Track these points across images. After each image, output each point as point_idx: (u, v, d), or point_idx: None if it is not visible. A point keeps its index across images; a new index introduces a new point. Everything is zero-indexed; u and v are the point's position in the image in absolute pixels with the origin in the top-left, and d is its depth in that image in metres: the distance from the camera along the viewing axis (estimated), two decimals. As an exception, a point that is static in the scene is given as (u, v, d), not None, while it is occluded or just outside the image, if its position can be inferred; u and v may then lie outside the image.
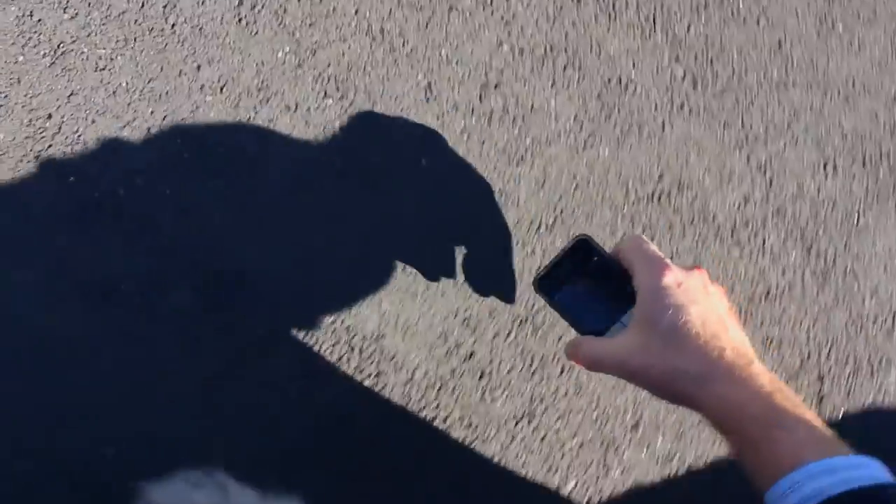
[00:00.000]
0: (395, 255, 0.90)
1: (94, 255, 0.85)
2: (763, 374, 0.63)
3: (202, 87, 0.91)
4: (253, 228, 0.88)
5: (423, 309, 0.90)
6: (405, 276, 0.91)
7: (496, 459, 0.88)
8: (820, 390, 0.96)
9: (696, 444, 0.92)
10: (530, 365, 0.91)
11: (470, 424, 0.88)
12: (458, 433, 0.88)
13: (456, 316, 0.91)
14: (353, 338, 0.88)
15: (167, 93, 0.90)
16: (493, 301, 0.91)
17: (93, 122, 0.89)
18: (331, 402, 0.86)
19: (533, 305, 0.92)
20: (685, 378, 0.62)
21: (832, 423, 0.93)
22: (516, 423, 0.90)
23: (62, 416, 0.81)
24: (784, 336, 0.98)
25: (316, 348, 0.87)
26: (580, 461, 0.90)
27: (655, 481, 0.91)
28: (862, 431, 0.95)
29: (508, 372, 0.91)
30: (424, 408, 0.88)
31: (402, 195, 0.91)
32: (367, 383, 0.87)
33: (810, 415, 0.60)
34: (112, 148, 0.88)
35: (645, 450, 0.91)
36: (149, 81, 0.91)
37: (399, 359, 0.89)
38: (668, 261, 0.67)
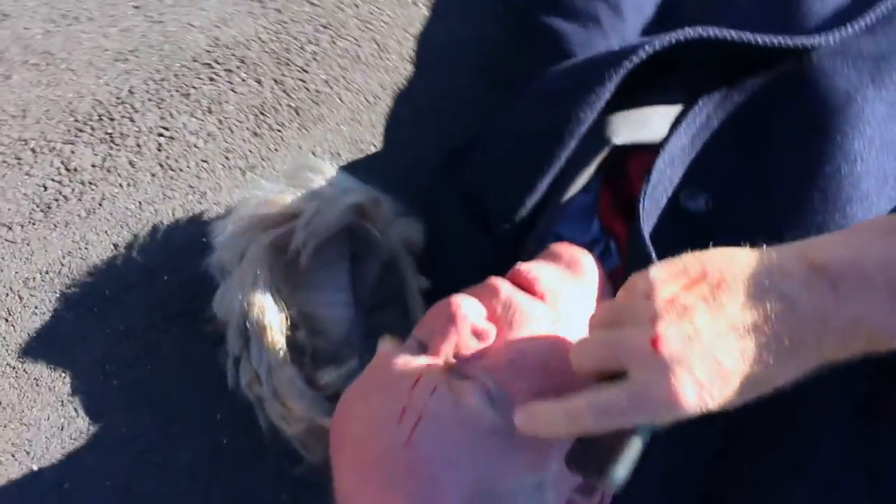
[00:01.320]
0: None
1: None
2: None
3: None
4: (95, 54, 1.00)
5: (232, 8, 1.03)
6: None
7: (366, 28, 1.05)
8: None
9: None
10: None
11: (327, 25, 1.04)
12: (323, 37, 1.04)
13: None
14: (203, 60, 1.02)
15: None
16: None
17: None
18: (239, 102, 1.01)
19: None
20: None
21: None
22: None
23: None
24: None
25: (195, 88, 1.01)
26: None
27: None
28: None
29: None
30: (292, 45, 1.04)
31: None
32: (243, 73, 1.02)
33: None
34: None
35: None
36: None
37: (243, 41, 1.03)
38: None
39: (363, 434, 0.66)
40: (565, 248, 0.76)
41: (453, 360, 0.67)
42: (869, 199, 0.71)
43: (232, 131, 1.00)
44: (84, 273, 0.96)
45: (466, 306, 0.67)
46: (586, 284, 0.73)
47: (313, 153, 0.98)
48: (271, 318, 0.84)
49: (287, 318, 0.87)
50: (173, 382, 0.97)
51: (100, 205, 0.97)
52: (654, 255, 0.70)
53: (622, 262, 0.80)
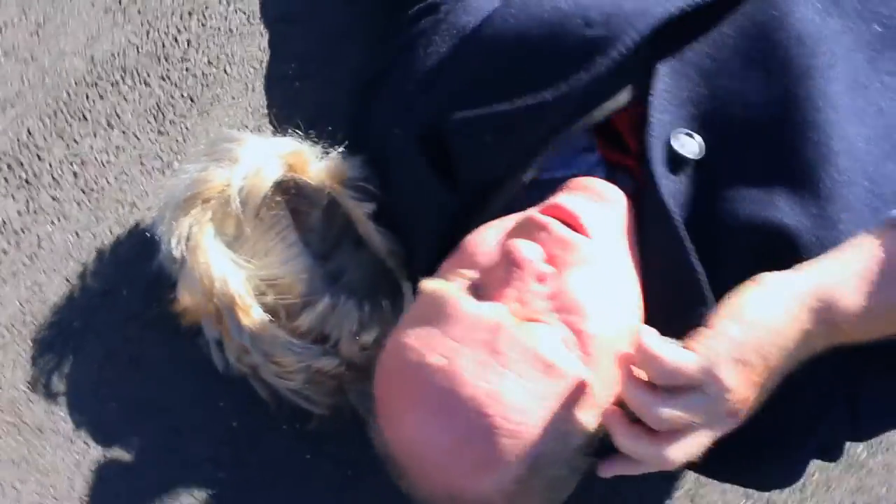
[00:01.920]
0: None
1: None
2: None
3: None
4: None
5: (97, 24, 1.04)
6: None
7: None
8: None
9: None
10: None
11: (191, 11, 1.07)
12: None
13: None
14: (88, 82, 1.04)
15: None
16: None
17: None
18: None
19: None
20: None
21: None
22: None
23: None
24: None
25: (89, 110, 1.03)
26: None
27: None
28: None
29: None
30: (165, 40, 1.06)
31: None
32: (129, 80, 1.04)
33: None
34: None
35: None
36: None
37: (118, 51, 1.05)
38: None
39: (446, 388, 0.67)
40: (590, 182, 0.77)
41: (518, 305, 0.68)
42: (853, 147, 0.76)
43: (138, 138, 1.03)
44: (48, 314, 0.99)
45: (529, 251, 0.68)
46: (619, 215, 0.76)
47: (220, 133, 1.01)
48: (236, 285, 0.87)
49: (250, 287, 0.90)
50: (167, 386, 1.01)
51: (39, 247, 0.99)
52: (678, 221, 0.74)
53: (638, 185, 0.81)
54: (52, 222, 0.99)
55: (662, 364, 0.62)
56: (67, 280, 0.99)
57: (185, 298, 0.91)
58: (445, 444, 0.68)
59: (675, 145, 0.76)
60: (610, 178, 0.81)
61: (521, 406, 0.66)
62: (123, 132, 1.02)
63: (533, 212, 0.73)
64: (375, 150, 0.95)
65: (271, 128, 1.02)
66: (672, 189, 0.75)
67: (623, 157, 0.84)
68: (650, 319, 0.73)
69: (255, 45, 1.07)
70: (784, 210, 0.73)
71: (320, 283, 0.92)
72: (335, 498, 0.98)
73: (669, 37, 0.78)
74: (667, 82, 0.77)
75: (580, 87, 0.76)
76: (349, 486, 0.99)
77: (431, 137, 0.85)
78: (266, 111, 1.05)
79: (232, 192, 0.87)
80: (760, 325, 0.63)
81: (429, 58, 0.91)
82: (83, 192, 1.01)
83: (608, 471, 0.69)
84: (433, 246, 0.84)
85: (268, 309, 0.90)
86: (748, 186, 0.75)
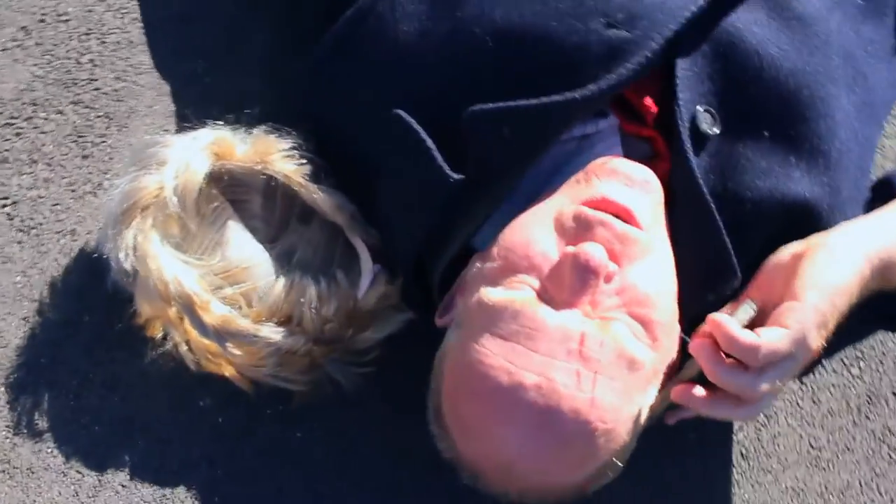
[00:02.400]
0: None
1: None
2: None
3: None
4: None
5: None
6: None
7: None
8: None
9: None
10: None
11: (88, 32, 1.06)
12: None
13: None
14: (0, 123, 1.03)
15: None
16: None
17: None
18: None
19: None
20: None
21: None
22: None
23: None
24: None
25: (8, 150, 1.03)
26: None
27: None
28: None
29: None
30: (69, 65, 1.06)
31: None
32: (41, 113, 1.05)
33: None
34: None
35: None
36: None
37: (25, 87, 1.05)
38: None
39: (546, 405, 0.68)
40: (620, 165, 0.78)
41: (591, 308, 0.70)
42: (849, 117, 0.81)
43: (64, 166, 1.03)
44: (13, 358, 0.99)
45: (601, 255, 0.70)
46: (657, 199, 0.78)
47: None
48: (190, 284, 0.88)
49: (206, 283, 0.90)
50: (146, 399, 1.01)
51: (-10, 296, 0.99)
52: (709, 199, 0.77)
53: (655, 153, 0.83)
54: (-3, 268, 0.99)
55: (760, 351, 0.67)
56: (25, 320, 1.00)
57: (145, 309, 0.92)
58: (545, 456, 0.70)
59: (699, 122, 0.78)
60: (624, 141, 0.84)
61: (613, 405, 0.69)
62: (48, 164, 1.03)
63: (582, 208, 0.74)
64: (343, 120, 0.94)
65: (191, 126, 1.02)
66: (699, 166, 0.77)
67: (633, 123, 0.85)
68: (680, 290, 0.77)
69: (159, 52, 1.07)
70: (802, 182, 0.78)
71: (273, 265, 0.93)
72: (335, 469, 0.99)
73: (689, 23, 0.79)
74: (686, 60, 0.79)
75: (607, 86, 0.77)
76: (346, 454, 1.00)
77: (439, 120, 0.83)
78: (183, 112, 1.04)
79: (167, 194, 0.87)
80: (837, 289, 0.71)
81: (403, 23, 0.88)
82: (21, 232, 1.01)
83: (673, 419, 0.76)
84: (425, 229, 0.84)
85: (227, 301, 0.90)
86: (763, 159, 0.78)
